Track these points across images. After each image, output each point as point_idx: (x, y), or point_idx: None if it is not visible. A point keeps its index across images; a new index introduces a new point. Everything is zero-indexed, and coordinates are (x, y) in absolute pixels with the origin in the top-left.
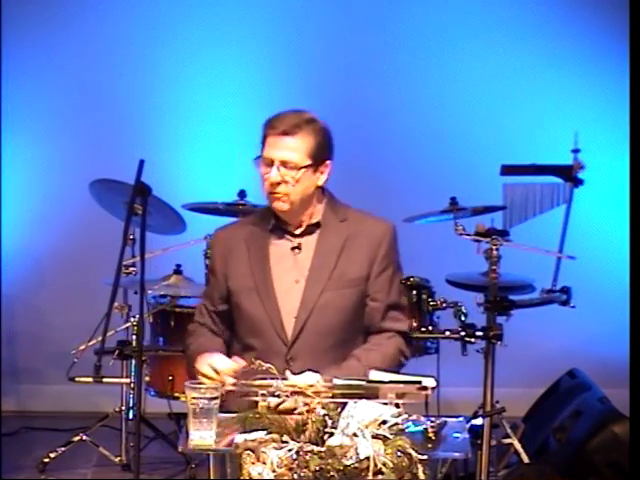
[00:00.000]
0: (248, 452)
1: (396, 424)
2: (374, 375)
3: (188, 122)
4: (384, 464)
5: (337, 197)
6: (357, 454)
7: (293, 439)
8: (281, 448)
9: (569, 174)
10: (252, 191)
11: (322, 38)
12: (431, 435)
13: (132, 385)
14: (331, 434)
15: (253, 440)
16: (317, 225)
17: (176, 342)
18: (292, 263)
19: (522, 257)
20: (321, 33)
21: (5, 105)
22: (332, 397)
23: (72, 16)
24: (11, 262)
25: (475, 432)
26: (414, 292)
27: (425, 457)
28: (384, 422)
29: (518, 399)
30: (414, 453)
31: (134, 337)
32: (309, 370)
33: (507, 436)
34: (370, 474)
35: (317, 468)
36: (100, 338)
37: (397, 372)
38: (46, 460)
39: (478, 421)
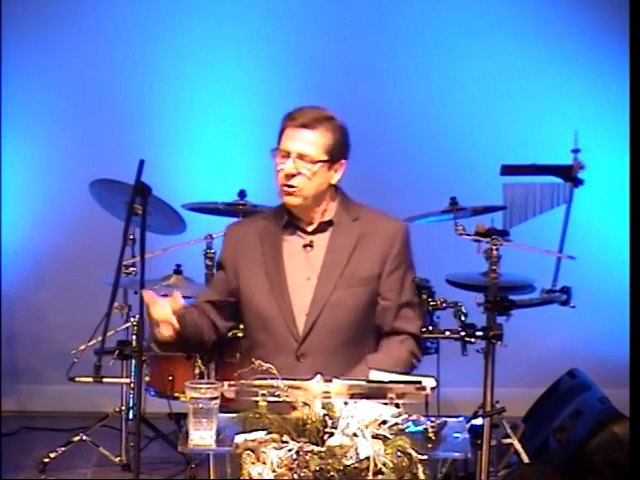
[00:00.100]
0: (248, 452)
1: (396, 424)
2: (374, 375)
3: (188, 122)
4: (384, 464)
5: (350, 196)
6: (357, 454)
7: (293, 439)
8: (281, 448)
9: (569, 174)
10: (252, 191)
11: (322, 37)
12: (431, 435)
13: (132, 385)
14: (331, 434)
15: (253, 440)
16: (329, 223)
17: None
18: (304, 260)
19: (522, 257)
20: (321, 32)
21: (5, 105)
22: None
23: (72, 16)
24: (11, 262)
25: (475, 432)
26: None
27: (425, 457)
28: (384, 422)
29: (518, 399)
30: (414, 453)
31: (134, 337)
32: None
33: (507, 436)
34: (370, 474)
35: (317, 468)
36: (100, 338)
37: (409, 374)
38: (46, 460)
39: (478, 421)
